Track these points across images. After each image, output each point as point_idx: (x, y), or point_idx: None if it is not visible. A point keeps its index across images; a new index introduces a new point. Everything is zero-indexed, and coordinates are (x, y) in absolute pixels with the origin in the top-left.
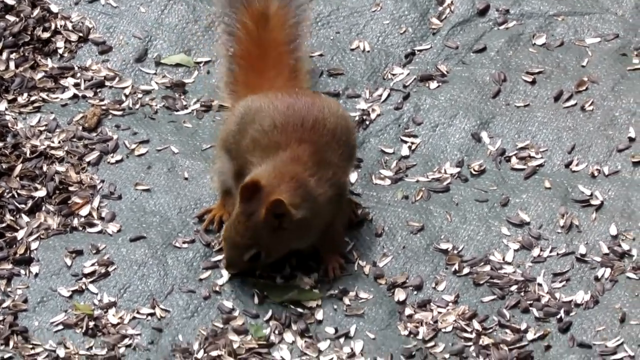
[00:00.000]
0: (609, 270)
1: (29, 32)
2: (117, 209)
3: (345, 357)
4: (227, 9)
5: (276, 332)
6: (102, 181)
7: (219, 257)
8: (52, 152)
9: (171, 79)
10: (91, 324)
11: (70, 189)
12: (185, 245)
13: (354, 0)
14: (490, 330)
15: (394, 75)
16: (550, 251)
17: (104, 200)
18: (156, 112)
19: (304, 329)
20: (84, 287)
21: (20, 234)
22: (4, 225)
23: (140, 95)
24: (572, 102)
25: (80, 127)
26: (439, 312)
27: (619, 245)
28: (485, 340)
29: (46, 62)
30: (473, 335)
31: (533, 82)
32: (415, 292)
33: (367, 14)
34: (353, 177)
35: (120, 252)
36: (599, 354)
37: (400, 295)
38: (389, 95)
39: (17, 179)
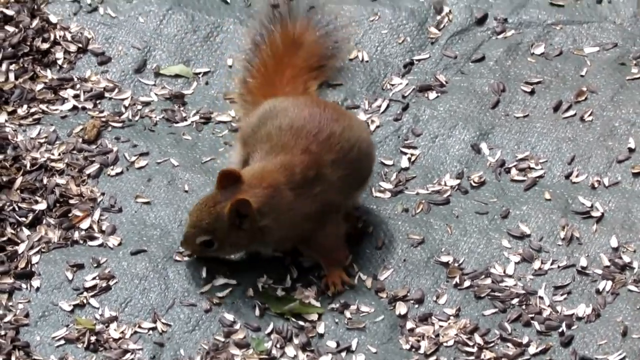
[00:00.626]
0: (610, 282)
1: (28, 43)
2: (117, 222)
3: None
4: (266, 22)
5: (278, 345)
6: (103, 194)
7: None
8: (53, 164)
9: (170, 90)
10: (93, 338)
11: (71, 201)
12: (186, 258)
13: (352, 10)
14: (492, 344)
15: (392, 85)
16: (551, 264)
17: (105, 213)
18: (156, 124)
19: (306, 342)
20: (85, 301)
21: (21, 248)
22: (4, 238)
23: (139, 107)
24: (571, 112)
25: (80, 139)
26: (441, 326)
27: (620, 258)
28: (487, 355)
29: (46, 74)
30: (475, 350)
31: (532, 92)
32: (416, 306)
33: (365, 24)
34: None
35: (122, 265)
36: None
37: (401, 308)
38: (388, 106)
39: (18, 191)
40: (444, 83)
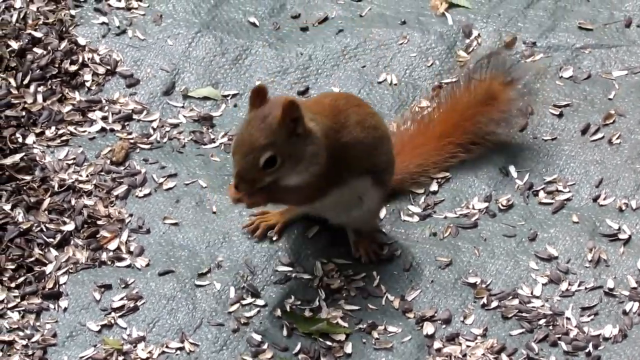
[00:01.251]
0: (637, 304)
1: (57, 65)
2: (145, 243)
3: None
4: (477, 67)
5: None
6: (131, 215)
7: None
8: (80, 185)
9: (199, 112)
10: (120, 358)
11: (99, 222)
12: (215, 277)
13: (381, 33)
14: None
15: (421, 108)
16: (579, 285)
17: (133, 234)
18: (184, 146)
19: None
20: (113, 321)
21: (48, 268)
22: (32, 259)
23: (168, 129)
24: (599, 135)
25: (108, 161)
26: (468, 346)
27: None
28: None
29: (74, 95)
30: None
31: (560, 115)
32: (443, 326)
33: (394, 47)
34: (382, 213)
35: (149, 286)
36: None
37: (428, 328)
38: None
39: (46, 212)
40: None
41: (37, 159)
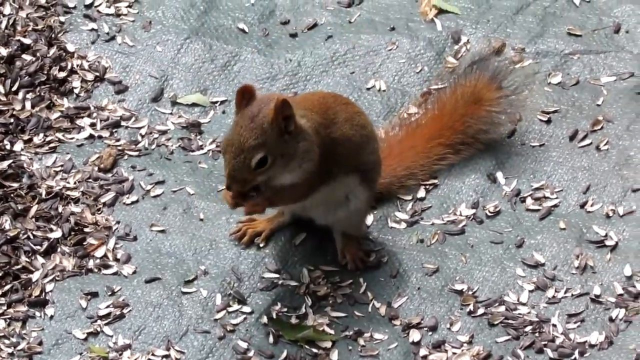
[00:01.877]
0: (623, 311)
1: (45, 72)
2: (132, 251)
3: None
4: (465, 72)
5: None
6: (118, 222)
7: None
8: (68, 192)
9: (187, 119)
10: None
11: (86, 230)
12: (202, 284)
13: (370, 39)
14: None
15: (410, 114)
16: (565, 292)
17: (120, 242)
18: (172, 153)
19: None
20: (99, 329)
21: (35, 276)
22: (19, 266)
23: (156, 136)
24: (587, 141)
25: (96, 168)
26: (454, 353)
27: (634, 286)
28: None
29: (62, 102)
30: None
31: (548, 121)
32: (430, 333)
33: (383, 53)
34: (369, 220)
35: (136, 293)
36: None
37: (415, 335)
38: None
39: (33, 220)
40: None
41: (25, 166)
